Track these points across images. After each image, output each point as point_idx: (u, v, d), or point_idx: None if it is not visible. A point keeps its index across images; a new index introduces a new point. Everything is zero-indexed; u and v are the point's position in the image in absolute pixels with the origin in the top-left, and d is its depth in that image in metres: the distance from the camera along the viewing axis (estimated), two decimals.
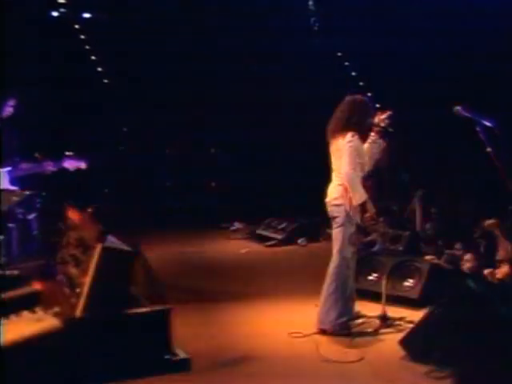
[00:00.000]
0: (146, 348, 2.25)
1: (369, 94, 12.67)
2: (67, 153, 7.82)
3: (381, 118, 6.13)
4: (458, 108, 4.61)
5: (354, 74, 13.09)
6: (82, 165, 7.64)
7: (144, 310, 2.35)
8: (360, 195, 5.98)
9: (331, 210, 6.15)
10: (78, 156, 7.72)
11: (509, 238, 7.28)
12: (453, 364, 3.75)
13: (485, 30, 10.59)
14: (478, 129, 4.42)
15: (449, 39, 11.19)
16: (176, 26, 12.23)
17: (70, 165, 7.61)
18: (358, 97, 6.23)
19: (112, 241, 2.41)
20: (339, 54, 13.02)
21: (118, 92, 13.26)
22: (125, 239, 2.45)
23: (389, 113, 6.17)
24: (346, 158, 5.96)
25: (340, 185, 6.05)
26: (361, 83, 12.74)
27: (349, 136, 5.97)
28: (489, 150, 4.38)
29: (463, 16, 10.84)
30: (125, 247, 2.38)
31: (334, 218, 6.11)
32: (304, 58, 12.29)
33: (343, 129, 6.02)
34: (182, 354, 2.29)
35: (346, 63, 13.11)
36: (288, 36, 12.12)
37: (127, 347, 2.22)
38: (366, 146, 6.21)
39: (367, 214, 6.15)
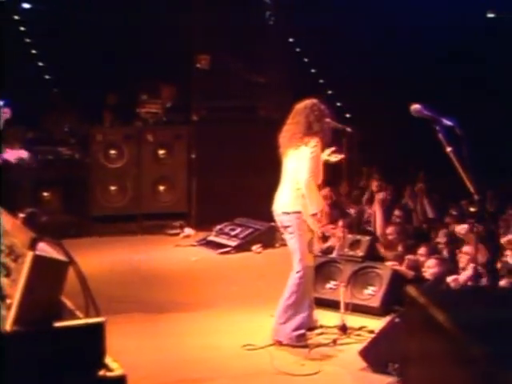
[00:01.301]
0: (78, 363, 2.20)
1: (330, 92, 12.97)
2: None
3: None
4: (417, 106, 4.63)
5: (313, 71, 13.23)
6: (24, 154, 7.51)
7: (77, 322, 2.30)
8: (317, 204, 6.02)
9: (281, 220, 6.17)
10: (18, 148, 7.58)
11: (481, 241, 7.40)
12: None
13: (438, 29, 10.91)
14: (437, 128, 4.48)
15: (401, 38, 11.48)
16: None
17: (10, 156, 7.47)
18: (313, 101, 6.25)
19: (44, 249, 2.35)
20: (298, 49, 13.11)
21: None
22: (60, 247, 2.40)
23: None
24: (307, 165, 5.98)
25: (291, 192, 6.07)
26: (321, 81, 12.90)
27: (313, 142, 6.01)
28: (449, 150, 4.45)
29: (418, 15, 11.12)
30: (58, 255, 2.33)
31: (286, 227, 6.13)
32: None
33: (305, 136, 6.05)
34: (118, 370, 2.25)
35: (305, 59, 13.22)
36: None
37: (59, 362, 2.17)
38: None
39: (324, 221, 6.19)
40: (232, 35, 11.79)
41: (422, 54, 11.57)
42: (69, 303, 2.44)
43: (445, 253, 7.95)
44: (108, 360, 2.24)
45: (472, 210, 4.55)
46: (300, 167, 6.03)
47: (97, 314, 2.25)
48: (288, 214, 6.06)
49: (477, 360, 1.08)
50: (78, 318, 2.30)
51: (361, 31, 12.08)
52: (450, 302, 1.41)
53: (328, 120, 6.25)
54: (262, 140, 8.90)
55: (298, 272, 6.06)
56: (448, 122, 4.49)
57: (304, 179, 5.98)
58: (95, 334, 2.24)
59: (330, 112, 6.32)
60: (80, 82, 12.36)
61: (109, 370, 2.21)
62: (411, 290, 1.45)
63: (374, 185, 9.41)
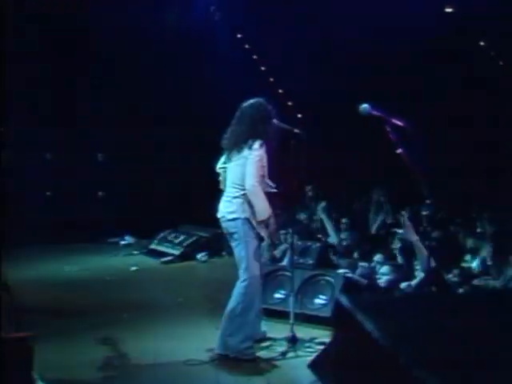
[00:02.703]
0: (6, 379, 2.21)
1: (280, 91, 13.07)
2: None
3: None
4: (366, 106, 4.68)
5: (263, 68, 13.30)
6: None
7: (5, 337, 2.31)
8: (264, 211, 6.02)
9: (226, 226, 6.17)
10: None
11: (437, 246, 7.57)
12: None
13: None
14: (387, 128, 4.56)
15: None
16: None
17: None
18: (259, 101, 6.26)
19: None
20: (247, 46, 13.18)
21: None
22: None
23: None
24: (251, 170, 5.99)
25: (236, 197, 6.08)
26: (271, 79, 12.98)
27: (257, 145, 6.02)
28: (400, 150, 4.53)
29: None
30: None
31: (232, 234, 6.12)
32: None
33: (249, 138, 6.06)
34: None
35: (255, 56, 13.30)
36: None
37: None
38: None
39: (269, 230, 6.22)
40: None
41: (377, 53, 11.75)
42: None
43: (400, 260, 8.09)
44: None
45: (424, 213, 4.63)
46: (245, 171, 6.03)
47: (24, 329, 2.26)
48: (234, 220, 6.06)
49: (404, 367, 1.14)
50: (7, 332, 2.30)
51: (312, 25, 12.21)
52: (379, 311, 1.48)
53: (275, 121, 6.31)
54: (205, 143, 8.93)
55: (243, 281, 6.06)
56: (398, 122, 4.57)
57: (249, 185, 5.98)
58: (24, 350, 2.24)
59: (278, 113, 6.36)
60: None
61: None
62: (342, 299, 1.51)
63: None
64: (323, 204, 9.26)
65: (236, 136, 6.17)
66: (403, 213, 6.44)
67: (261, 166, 6.05)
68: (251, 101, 6.29)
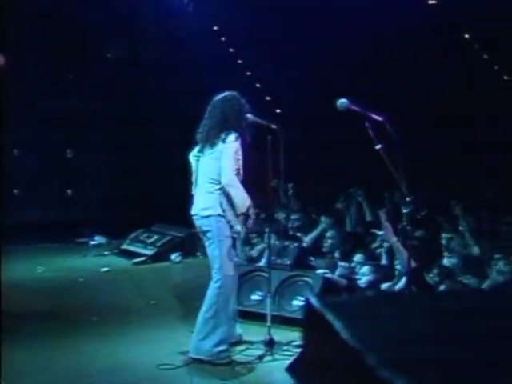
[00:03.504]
0: None
1: (258, 85, 13.10)
2: None
3: None
4: (344, 101, 4.71)
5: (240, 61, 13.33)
6: None
7: None
8: (244, 202, 6.05)
9: (200, 224, 6.18)
10: None
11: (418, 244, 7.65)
12: None
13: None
14: (366, 124, 4.60)
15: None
16: None
17: None
18: (232, 94, 6.29)
19: None
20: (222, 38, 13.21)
21: None
22: None
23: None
24: (227, 162, 6.00)
25: (211, 193, 6.09)
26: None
27: (232, 137, 6.03)
28: (378, 147, 4.57)
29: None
30: None
31: (205, 232, 6.14)
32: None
33: (221, 132, 6.08)
34: None
35: (231, 49, 13.32)
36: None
37: None
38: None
39: (250, 221, 6.24)
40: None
41: (357, 45, 11.83)
42: None
43: (383, 259, 8.16)
44: None
45: (404, 211, 4.68)
46: (221, 165, 6.05)
47: None
48: (208, 217, 6.08)
49: (371, 367, 1.17)
50: None
51: (289, 18, 12.27)
52: (350, 311, 1.51)
53: (250, 116, 6.34)
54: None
55: (216, 281, 6.08)
56: (377, 118, 4.61)
57: (227, 178, 6.00)
58: None
59: (254, 107, 6.39)
60: None
61: None
62: (312, 300, 1.54)
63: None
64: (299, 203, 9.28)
65: (208, 130, 6.20)
66: (381, 214, 6.49)
67: (236, 159, 6.07)
68: (223, 94, 6.32)
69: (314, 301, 1.53)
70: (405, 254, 6.15)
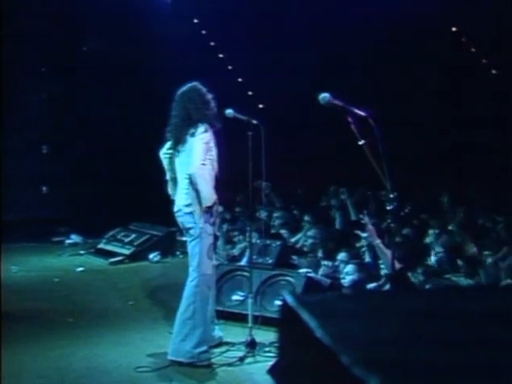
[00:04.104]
0: None
1: (240, 79, 13.10)
2: None
3: None
4: (326, 95, 4.71)
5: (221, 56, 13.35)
6: None
7: None
8: (210, 194, 6.05)
9: (183, 221, 6.18)
10: None
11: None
12: None
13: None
14: (349, 119, 4.61)
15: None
16: None
17: None
18: (191, 87, 6.26)
19: None
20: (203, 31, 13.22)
21: None
22: None
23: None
24: (195, 152, 6.01)
25: (192, 190, 6.06)
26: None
27: (201, 129, 6.02)
28: (362, 142, 4.60)
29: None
30: None
31: (188, 229, 6.14)
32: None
33: (188, 127, 6.08)
34: None
35: (212, 43, 13.34)
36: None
37: None
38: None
39: (216, 219, 6.24)
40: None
41: (340, 41, 11.89)
42: None
43: (367, 257, 8.19)
44: None
45: (388, 208, 4.70)
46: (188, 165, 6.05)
47: None
48: (191, 214, 6.08)
49: (345, 366, 1.19)
50: None
51: (271, 10, 12.31)
52: (325, 309, 1.53)
53: (230, 111, 6.34)
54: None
55: (193, 280, 6.09)
56: (360, 113, 4.63)
57: (194, 167, 5.99)
58: None
59: (214, 96, 6.27)
60: None
61: None
62: (288, 298, 1.55)
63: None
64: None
65: (176, 127, 6.20)
66: (363, 216, 6.52)
67: (207, 150, 6.05)
68: (183, 88, 6.31)
69: (289, 299, 1.54)
70: (388, 256, 6.18)
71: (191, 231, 6.12)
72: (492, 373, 1.26)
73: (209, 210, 6.07)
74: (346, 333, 1.34)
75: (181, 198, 6.20)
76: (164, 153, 6.39)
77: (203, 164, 6.02)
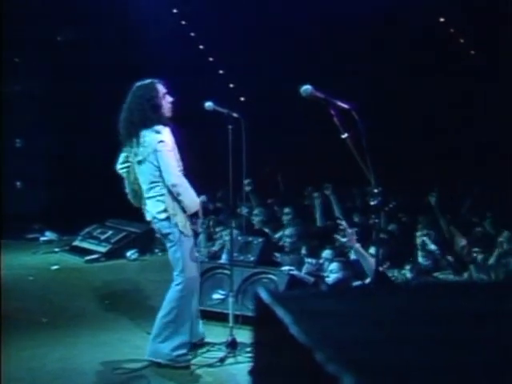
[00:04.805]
0: None
1: (221, 72, 13.09)
2: None
3: None
4: (308, 87, 4.72)
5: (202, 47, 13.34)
6: None
7: None
8: (192, 202, 6.05)
9: (159, 227, 6.14)
10: None
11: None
12: None
13: None
14: (332, 112, 4.62)
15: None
16: None
17: None
18: (142, 85, 6.15)
19: None
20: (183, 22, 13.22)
21: None
22: None
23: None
24: (167, 164, 5.94)
25: (162, 195, 6.02)
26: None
27: (160, 133, 5.94)
28: (345, 136, 4.61)
29: None
30: None
31: (166, 235, 6.11)
32: None
33: (143, 128, 5.98)
34: None
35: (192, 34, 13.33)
36: None
37: None
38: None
39: (199, 220, 6.23)
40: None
41: (323, 32, 11.92)
42: None
43: (352, 255, 8.22)
44: None
45: (372, 203, 4.72)
46: (160, 168, 5.97)
47: None
48: (167, 219, 6.04)
49: (319, 363, 1.21)
50: None
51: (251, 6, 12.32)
52: (302, 306, 1.54)
53: (210, 103, 6.32)
54: None
55: (178, 284, 6.07)
56: (343, 105, 4.64)
57: (171, 180, 5.95)
58: None
59: (171, 91, 6.21)
60: None
61: None
62: (262, 294, 1.57)
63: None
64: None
65: (129, 128, 6.08)
66: (341, 222, 6.53)
67: (173, 154, 6.02)
68: (137, 84, 6.19)
69: (264, 296, 1.56)
70: (369, 260, 6.20)
71: (170, 236, 6.08)
72: (462, 372, 1.29)
73: (193, 216, 6.08)
74: (321, 330, 1.36)
75: (153, 206, 6.12)
76: (121, 167, 6.31)
77: (180, 171, 6.01)
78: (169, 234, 6.08)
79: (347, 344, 1.31)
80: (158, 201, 6.07)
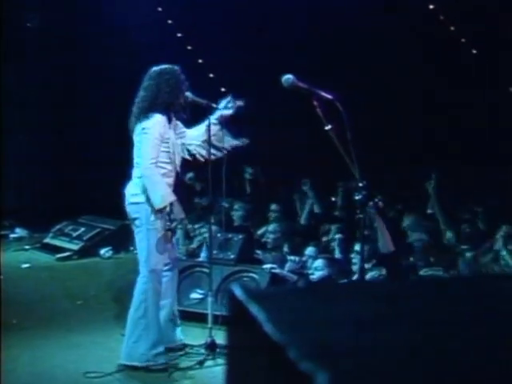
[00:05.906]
0: None
1: (200, 61, 13.06)
2: None
3: None
4: (290, 77, 4.74)
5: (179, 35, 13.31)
6: None
7: None
8: (162, 197, 5.99)
9: (129, 211, 6.17)
10: None
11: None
12: None
13: None
14: (315, 103, 4.65)
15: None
16: None
17: None
18: (167, 68, 6.24)
19: None
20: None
21: None
22: None
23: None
24: (144, 149, 6.00)
25: (139, 177, 6.07)
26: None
27: (154, 120, 6.02)
28: (328, 128, 4.64)
29: None
30: None
31: (133, 219, 6.13)
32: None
33: (148, 111, 6.06)
34: None
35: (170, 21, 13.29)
36: None
37: None
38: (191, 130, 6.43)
39: (173, 224, 6.21)
40: None
41: (308, 19, 11.93)
42: None
43: (336, 252, 8.26)
44: None
45: (356, 198, 4.75)
46: (138, 151, 6.08)
47: None
48: (137, 204, 6.07)
49: (293, 360, 1.23)
50: None
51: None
52: (277, 302, 1.57)
53: (188, 94, 6.36)
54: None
55: (143, 276, 6.09)
56: (327, 96, 4.67)
57: (143, 167, 6.00)
58: None
59: (192, 84, 6.33)
60: None
61: None
62: (236, 290, 1.59)
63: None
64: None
65: (140, 102, 6.17)
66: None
67: (157, 145, 6.04)
68: (161, 66, 6.29)
69: (238, 292, 1.58)
70: (386, 237, 6.27)
71: (136, 222, 6.10)
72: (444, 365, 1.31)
73: (161, 211, 6.03)
74: (296, 327, 1.38)
75: (129, 186, 6.20)
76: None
77: (153, 163, 6.00)
78: (136, 218, 6.10)
79: (322, 342, 1.33)
80: (135, 183, 6.12)
